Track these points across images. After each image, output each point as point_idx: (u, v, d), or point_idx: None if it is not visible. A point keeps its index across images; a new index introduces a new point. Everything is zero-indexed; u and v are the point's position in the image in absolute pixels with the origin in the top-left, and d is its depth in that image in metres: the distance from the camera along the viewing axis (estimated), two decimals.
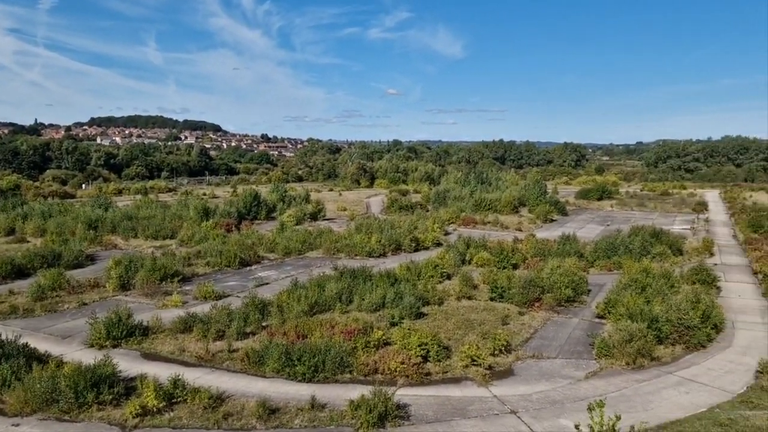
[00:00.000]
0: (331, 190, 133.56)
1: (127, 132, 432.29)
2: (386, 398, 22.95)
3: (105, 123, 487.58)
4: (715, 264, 53.99)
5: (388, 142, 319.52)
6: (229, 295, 41.47)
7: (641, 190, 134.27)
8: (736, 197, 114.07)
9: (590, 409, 17.15)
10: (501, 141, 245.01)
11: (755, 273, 50.98)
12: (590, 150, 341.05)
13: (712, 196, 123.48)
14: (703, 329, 33.26)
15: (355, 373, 27.75)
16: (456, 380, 27.97)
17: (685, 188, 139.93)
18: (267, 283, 45.33)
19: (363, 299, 38.30)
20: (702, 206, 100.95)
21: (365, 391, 23.77)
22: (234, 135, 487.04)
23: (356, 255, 56.34)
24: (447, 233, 70.46)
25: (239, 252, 52.17)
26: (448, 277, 47.49)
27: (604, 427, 16.69)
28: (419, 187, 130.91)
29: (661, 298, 37.22)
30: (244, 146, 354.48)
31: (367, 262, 51.31)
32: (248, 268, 51.24)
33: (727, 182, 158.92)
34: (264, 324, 34.27)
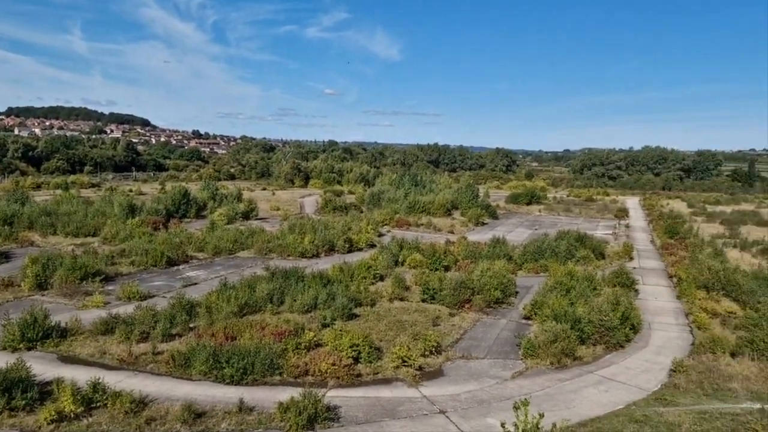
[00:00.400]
0: (265, 189, 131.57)
1: (47, 123, 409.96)
2: (316, 400, 22.76)
3: (23, 113, 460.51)
4: (634, 268, 56.69)
5: (323, 142, 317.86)
6: (154, 296, 40.07)
7: (568, 196, 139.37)
8: (654, 204, 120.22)
9: (516, 408, 17.60)
10: (436, 144, 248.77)
11: (670, 276, 53.88)
12: (521, 156, 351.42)
13: (632, 203, 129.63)
14: (622, 330, 34.85)
15: (285, 375, 27.39)
16: (387, 381, 28.08)
17: (608, 195, 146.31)
18: (195, 284, 44.09)
19: (295, 300, 37.87)
20: (623, 212, 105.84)
21: (295, 393, 23.48)
22: (164, 130, 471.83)
23: (289, 255, 55.69)
24: (381, 234, 70.75)
25: (167, 251, 50.51)
26: (381, 279, 47.67)
27: (529, 426, 17.17)
28: (354, 188, 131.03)
29: (584, 300, 38.71)
30: (174, 142, 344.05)
31: (300, 263, 50.81)
32: (176, 267, 49.68)
33: (647, 190, 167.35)
34: (191, 325, 33.29)
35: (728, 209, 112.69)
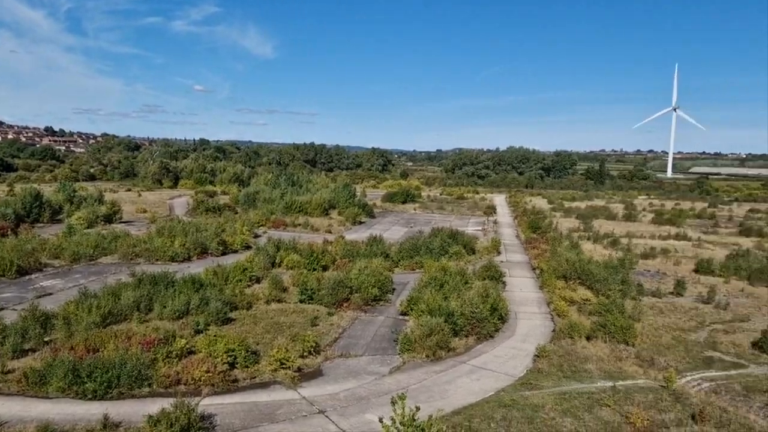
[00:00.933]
0: (129, 190, 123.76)
1: None
2: (189, 410, 21.71)
3: None
4: (502, 261, 60.01)
5: (194, 140, 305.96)
6: (2, 309, 36.31)
7: (441, 195, 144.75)
8: (519, 201, 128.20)
9: (393, 402, 17.88)
10: (312, 144, 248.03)
11: (534, 269, 57.68)
12: (396, 156, 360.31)
13: (500, 200, 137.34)
14: (491, 321, 36.73)
15: (155, 386, 25.89)
16: (264, 385, 27.47)
17: (477, 193, 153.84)
18: (51, 294, 40.50)
19: (164, 307, 35.95)
20: (491, 209, 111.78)
21: (166, 404, 22.24)
22: (11, 126, 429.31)
23: (157, 260, 52.86)
24: (257, 236, 69.22)
25: (16, 259, 45.95)
26: (258, 281, 46.62)
27: (406, 419, 17.50)
28: (228, 188, 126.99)
29: (457, 294, 40.32)
30: (24, 139, 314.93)
31: (170, 267, 48.33)
32: (28, 277, 45.35)
33: (512, 188, 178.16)
34: (47, 339, 30.52)
35: (583, 205, 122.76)
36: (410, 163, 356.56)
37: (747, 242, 76.22)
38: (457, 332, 35.21)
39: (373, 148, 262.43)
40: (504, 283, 50.14)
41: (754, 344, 36.17)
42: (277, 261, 52.68)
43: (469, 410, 25.40)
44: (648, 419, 24.52)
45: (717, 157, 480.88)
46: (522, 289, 49.59)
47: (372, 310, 41.14)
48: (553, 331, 38.14)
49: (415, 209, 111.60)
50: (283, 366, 28.49)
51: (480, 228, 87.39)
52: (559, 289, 46.61)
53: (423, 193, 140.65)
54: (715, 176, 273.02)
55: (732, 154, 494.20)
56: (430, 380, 29.09)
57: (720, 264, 58.12)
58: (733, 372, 32.21)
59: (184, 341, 29.46)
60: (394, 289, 46.01)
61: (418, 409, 17.90)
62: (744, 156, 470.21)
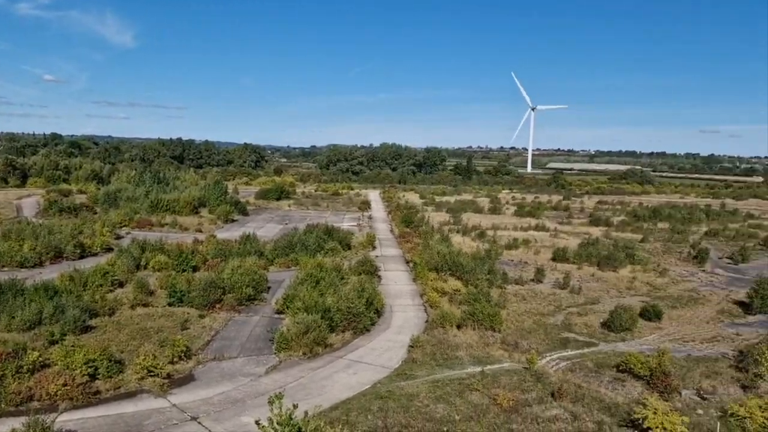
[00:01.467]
0: None
1: None
2: (44, 428, 19.93)
3: None
4: (377, 256, 61.08)
5: (44, 135, 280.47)
6: None
7: (316, 191, 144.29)
8: (392, 197, 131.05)
9: (270, 402, 17.56)
10: (179, 139, 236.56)
11: (407, 262, 59.32)
12: (269, 152, 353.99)
13: (374, 195, 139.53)
14: (367, 315, 37.26)
15: (3, 405, 23.46)
16: (131, 395, 25.87)
17: (352, 189, 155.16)
18: None
19: (12, 317, 32.68)
20: (366, 205, 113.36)
21: (17, 423, 20.28)
22: None
23: (3, 266, 47.92)
24: (119, 237, 64.95)
25: None
26: (121, 285, 43.81)
27: (283, 418, 17.26)
28: (85, 186, 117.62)
29: (333, 290, 40.46)
30: None
31: (18, 274, 44.00)
32: None
33: (386, 183, 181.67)
34: None
35: (452, 199, 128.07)
36: (284, 160, 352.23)
37: (596, 231, 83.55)
38: (334, 328, 35.34)
39: (245, 143, 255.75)
40: (379, 277, 51.09)
41: (603, 324, 39.79)
42: (142, 263, 49.83)
43: (346, 404, 25.62)
44: (513, 399, 26.15)
45: (570, 154, 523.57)
46: (397, 282, 50.79)
47: (246, 310, 40.17)
48: (427, 321, 39.47)
49: (289, 206, 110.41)
50: (151, 373, 27.00)
51: (355, 223, 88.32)
52: (432, 280, 48.30)
53: (298, 190, 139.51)
54: (569, 171, 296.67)
55: (583, 151, 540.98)
56: (307, 377, 28.96)
57: (573, 252, 63.23)
58: (586, 350, 35.22)
59: (36, 354, 26.99)
60: (269, 288, 45.23)
61: (295, 407, 17.73)
62: (593, 153, 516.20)
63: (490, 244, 67.47)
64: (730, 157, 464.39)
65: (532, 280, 52.67)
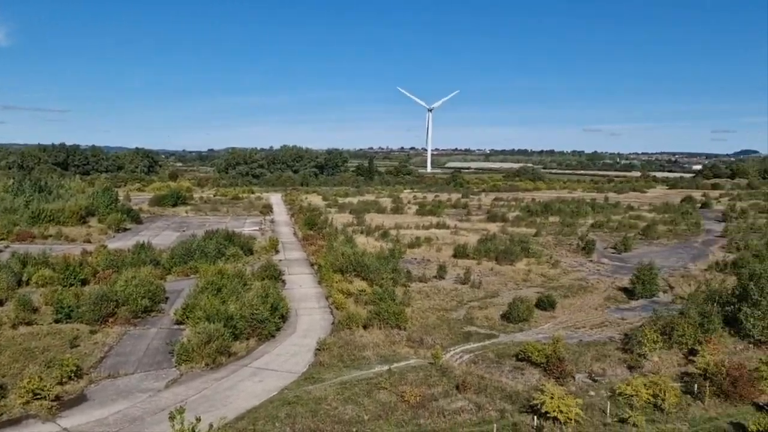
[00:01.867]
0: None
1: None
2: None
3: None
4: (281, 260, 60.19)
5: None
6: None
7: (215, 196, 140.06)
8: (295, 200, 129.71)
9: (171, 417, 16.86)
10: (63, 145, 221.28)
11: (312, 265, 58.90)
12: (164, 156, 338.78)
13: (276, 199, 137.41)
14: (272, 320, 36.58)
15: None
16: (15, 422, 23.90)
17: (253, 192, 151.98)
18: None
19: None
20: (268, 209, 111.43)
21: None
22: None
23: None
24: None
25: None
26: (1, 303, 40.39)
27: None
28: None
29: (235, 297, 39.38)
30: None
31: None
32: None
33: (288, 186, 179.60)
34: None
35: (355, 200, 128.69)
36: (180, 164, 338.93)
37: (494, 227, 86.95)
38: (238, 336, 34.42)
39: (137, 148, 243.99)
40: (284, 281, 50.40)
41: (503, 316, 41.46)
42: (24, 278, 46.24)
43: (253, 413, 25.03)
44: (420, 395, 26.65)
45: (467, 153, 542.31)
46: (302, 286, 50.31)
47: (143, 323, 38.29)
48: (333, 323, 39.37)
49: (187, 212, 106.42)
50: (38, 396, 25.06)
51: (257, 228, 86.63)
52: (337, 282, 48.25)
53: (195, 195, 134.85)
54: (467, 170, 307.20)
55: (479, 150, 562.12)
56: (211, 389, 28.00)
57: (473, 248, 65.42)
58: (487, 342, 36.53)
59: None
60: (167, 298, 43.37)
61: (198, 420, 17.14)
62: (488, 152, 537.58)
63: (393, 244, 68.38)
64: (611, 153, 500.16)
65: (435, 276, 53.95)
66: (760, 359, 31.51)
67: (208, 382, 28.79)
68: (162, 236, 75.71)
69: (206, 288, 41.61)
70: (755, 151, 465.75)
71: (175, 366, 30.81)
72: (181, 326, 37.23)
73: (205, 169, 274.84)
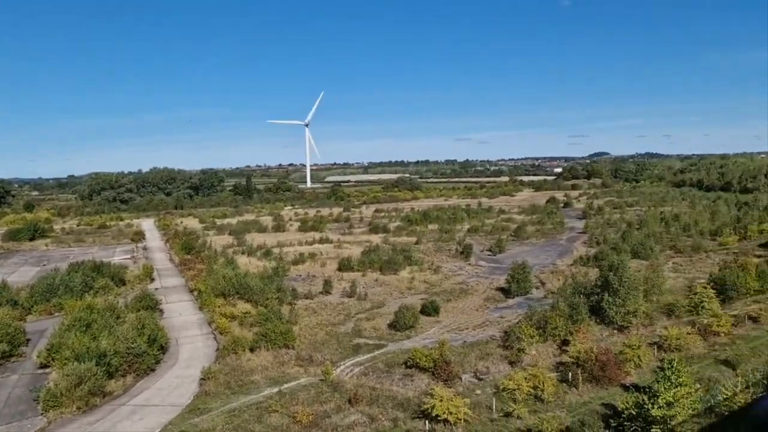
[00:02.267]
0: None
1: None
2: None
3: None
4: (157, 288, 56.98)
5: None
6: None
7: (78, 225, 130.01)
8: (169, 224, 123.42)
9: None
10: None
11: (192, 291, 56.28)
12: (17, 186, 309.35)
13: (148, 224, 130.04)
14: (151, 353, 34.42)
15: None
16: None
17: (122, 219, 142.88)
18: None
19: None
20: (140, 235, 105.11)
21: None
22: None
23: None
24: None
25: None
26: None
27: None
28: None
29: (108, 332, 36.64)
30: None
31: None
32: None
33: (160, 210, 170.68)
34: None
35: (234, 221, 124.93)
36: (36, 193, 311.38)
37: (376, 238, 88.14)
38: (113, 373, 32.07)
39: None
40: (161, 310, 47.81)
41: (390, 325, 42.03)
42: None
43: None
44: (312, 414, 26.26)
45: (346, 167, 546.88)
46: (181, 314, 47.96)
47: (2, 370, 34.61)
48: (218, 349, 37.84)
49: (47, 245, 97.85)
50: None
51: (129, 256, 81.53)
52: (219, 306, 46.49)
53: (56, 226, 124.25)
54: (346, 183, 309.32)
55: (357, 163, 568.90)
56: None
57: (357, 260, 65.86)
58: (376, 353, 36.81)
59: None
60: (28, 340, 39.54)
61: None
62: (367, 164, 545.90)
63: (277, 262, 67.20)
64: (481, 161, 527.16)
65: (321, 292, 53.62)
66: (624, 343, 34.49)
67: (82, 427, 26.53)
68: (19, 273, 69.10)
69: (73, 325, 38.32)
70: (606, 153, 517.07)
71: (42, 414, 28.06)
72: (47, 370, 34.04)
73: (66, 197, 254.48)
